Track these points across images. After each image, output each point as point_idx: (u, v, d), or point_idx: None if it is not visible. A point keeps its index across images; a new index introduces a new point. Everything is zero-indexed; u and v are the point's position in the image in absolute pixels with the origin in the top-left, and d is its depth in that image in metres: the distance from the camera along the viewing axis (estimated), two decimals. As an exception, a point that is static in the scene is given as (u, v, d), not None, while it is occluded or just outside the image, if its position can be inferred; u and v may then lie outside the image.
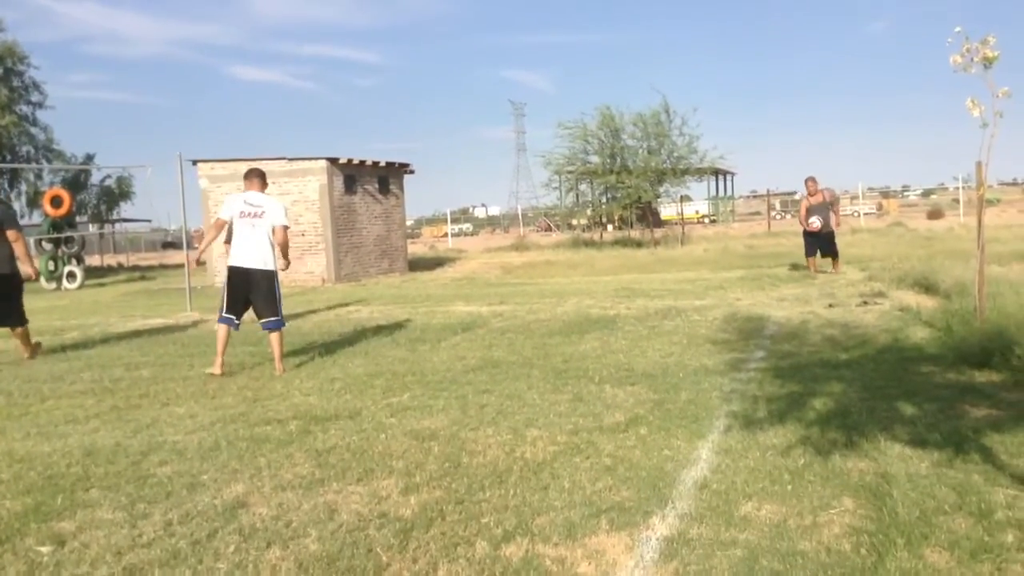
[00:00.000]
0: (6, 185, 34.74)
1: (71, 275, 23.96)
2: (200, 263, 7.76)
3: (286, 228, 7.74)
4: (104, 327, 12.17)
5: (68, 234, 25.01)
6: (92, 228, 38.94)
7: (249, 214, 7.63)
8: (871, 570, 2.95)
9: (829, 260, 15.33)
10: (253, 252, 7.62)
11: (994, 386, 5.68)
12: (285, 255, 7.70)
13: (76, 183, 35.34)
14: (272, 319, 7.70)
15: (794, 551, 3.16)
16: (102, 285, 24.26)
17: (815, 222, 15.07)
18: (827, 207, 15.10)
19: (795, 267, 16.70)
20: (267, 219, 7.66)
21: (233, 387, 6.89)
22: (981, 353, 6.27)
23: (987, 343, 6.32)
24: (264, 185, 8.01)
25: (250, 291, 7.68)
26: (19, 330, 8.90)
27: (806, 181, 15.33)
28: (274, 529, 3.62)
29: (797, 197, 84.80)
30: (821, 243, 15.16)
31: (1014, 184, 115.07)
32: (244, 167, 21.45)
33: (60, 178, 34.85)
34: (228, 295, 7.62)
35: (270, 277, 7.72)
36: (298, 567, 3.21)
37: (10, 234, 8.70)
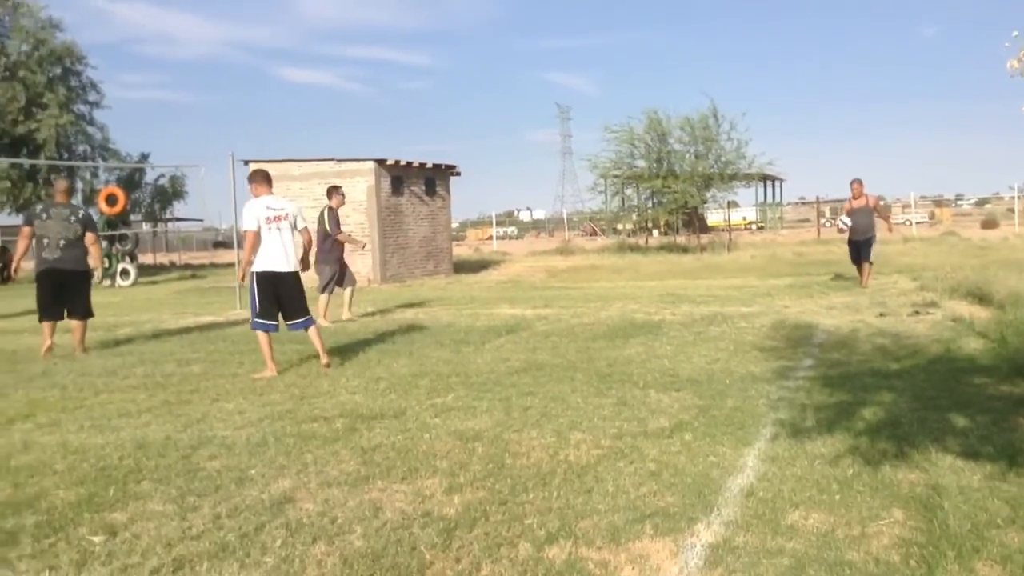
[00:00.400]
0: (63, 183, 35.50)
1: (124, 272, 24.49)
2: (244, 280, 7.87)
3: (307, 229, 7.99)
4: (156, 323, 12.42)
5: (122, 232, 25.57)
6: (146, 226, 39.74)
7: (273, 218, 7.74)
8: (921, 583, 2.90)
9: (861, 269, 14.67)
10: (282, 256, 7.76)
11: (1051, 399, 5.54)
12: (307, 256, 7.87)
13: (131, 182, 36.05)
14: (305, 318, 7.91)
15: (842, 561, 3.11)
16: (155, 283, 24.77)
17: (844, 221, 14.97)
18: (870, 212, 14.65)
19: (838, 276, 16.36)
20: (290, 221, 7.84)
21: (281, 385, 6.99)
22: (1037, 365, 6.13)
23: (1044, 355, 6.18)
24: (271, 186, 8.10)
25: (281, 294, 7.80)
26: (81, 324, 9.44)
27: (851, 183, 14.90)
28: (320, 525, 3.67)
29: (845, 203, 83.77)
30: (860, 249, 14.66)
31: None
32: (294, 167, 21.80)
33: (115, 177, 35.56)
34: (262, 301, 7.70)
35: (298, 278, 7.93)
36: (343, 563, 3.24)
37: (89, 237, 9.49)
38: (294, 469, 4.52)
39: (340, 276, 12.09)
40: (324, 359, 7.71)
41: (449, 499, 3.95)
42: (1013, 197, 43.00)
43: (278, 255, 7.71)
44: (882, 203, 15.40)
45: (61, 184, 9.86)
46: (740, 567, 3.10)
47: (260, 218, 7.64)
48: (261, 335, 7.66)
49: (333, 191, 12.30)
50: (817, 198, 49.06)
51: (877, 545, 3.26)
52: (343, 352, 8.61)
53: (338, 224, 12.07)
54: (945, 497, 3.71)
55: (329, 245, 11.93)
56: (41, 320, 9.33)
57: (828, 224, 29.16)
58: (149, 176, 38.09)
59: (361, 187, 20.43)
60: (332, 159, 20.81)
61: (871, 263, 14.61)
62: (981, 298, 10.80)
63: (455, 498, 3.95)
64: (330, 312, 11.67)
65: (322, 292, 11.81)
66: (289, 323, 7.93)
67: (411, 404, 6.03)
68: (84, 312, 9.51)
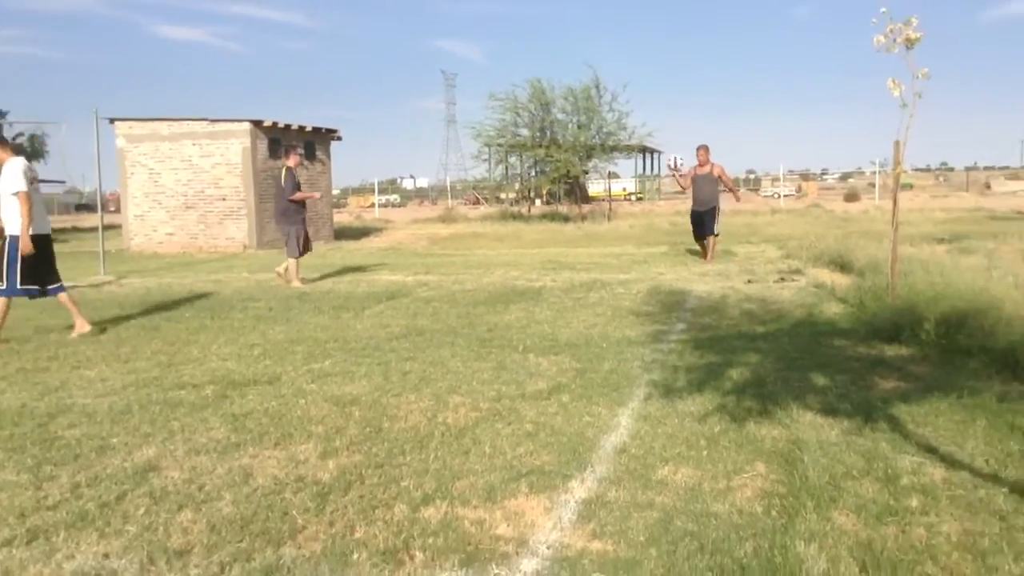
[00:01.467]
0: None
1: (-23, 236, 22.97)
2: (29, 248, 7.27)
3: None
4: (12, 289, 11.69)
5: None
6: (1, 188, 37.38)
7: (35, 179, 7.60)
8: (781, 531, 3.03)
9: (704, 243, 13.75)
10: (43, 217, 7.73)
11: (903, 359, 5.88)
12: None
13: (-16, 140, 33.81)
14: (59, 283, 7.76)
15: (708, 513, 3.22)
16: (11, 247, 23.31)
17: (679, 160, 14.70)
18: (714, 182, 13.74)
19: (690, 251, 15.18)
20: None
21: (147, 351, 6.70)
22: (892, 328, 6.48)
23: (898, 318, 6.54)
24: None
25: (45, 256, 7.57)
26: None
27: (697, 149, 13.98)
28: (186, 492, 3.54)
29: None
30: (703, 220, 13.68)
31: (927, 170, 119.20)
32: (164, 127, 20.88)
33: (-34, 134, 33.30)
34: (31, 265, 7.34)
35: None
36: (210, 529, 3.14)
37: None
38: (159, 437, 4.34)
39: (307, 238, 11.88)
40: (79, 328, 7.51)
41: (324, 464, 3.88)
42: (875, 172, 45.35)
43: (42, 216, 7.69)
44: (727, 175, 14.33)
45: None
46: (611, 520, 3.16)
47: (28, 178, 7.38)
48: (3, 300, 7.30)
49: (290, 150, 12.07)
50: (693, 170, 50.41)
51: (741, 497, 3.39)
52: (216, 318, 8.33)
53: (297, 185, 11.76)
54: (805, 451, 3.89)
55: (293, 206, 11.64)
56: None
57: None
58: (6, 134, 35.80)
59: (236, 149, 19.74)
60: (205, 119, 20.00)
61: (716, 235, 13.78)
62: (842, 266, 11.35)
63: (330, 463, 3.88)
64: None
65: (293, 256, 11.58)
66: (50, 287, 7.66)
67: (286, 370, 5.89)
68: None
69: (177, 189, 20.26)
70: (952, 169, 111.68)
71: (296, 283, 11.38)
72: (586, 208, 30.52)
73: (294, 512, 3.30)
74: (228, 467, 3.85)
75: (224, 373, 5.81)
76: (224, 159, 19.89)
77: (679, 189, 21.51)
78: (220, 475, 3.75)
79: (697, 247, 14.29)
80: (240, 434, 4.37)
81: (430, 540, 3.02)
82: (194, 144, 20.07)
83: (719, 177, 13.83)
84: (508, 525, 3.16)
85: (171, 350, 6.73)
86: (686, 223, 20.92)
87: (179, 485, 3.63)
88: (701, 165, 13.83)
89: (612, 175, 37.48)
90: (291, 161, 11.83)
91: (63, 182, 46.84)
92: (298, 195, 11.70)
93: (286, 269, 11.69)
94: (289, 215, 11.66)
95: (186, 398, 5.14)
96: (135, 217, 20.58)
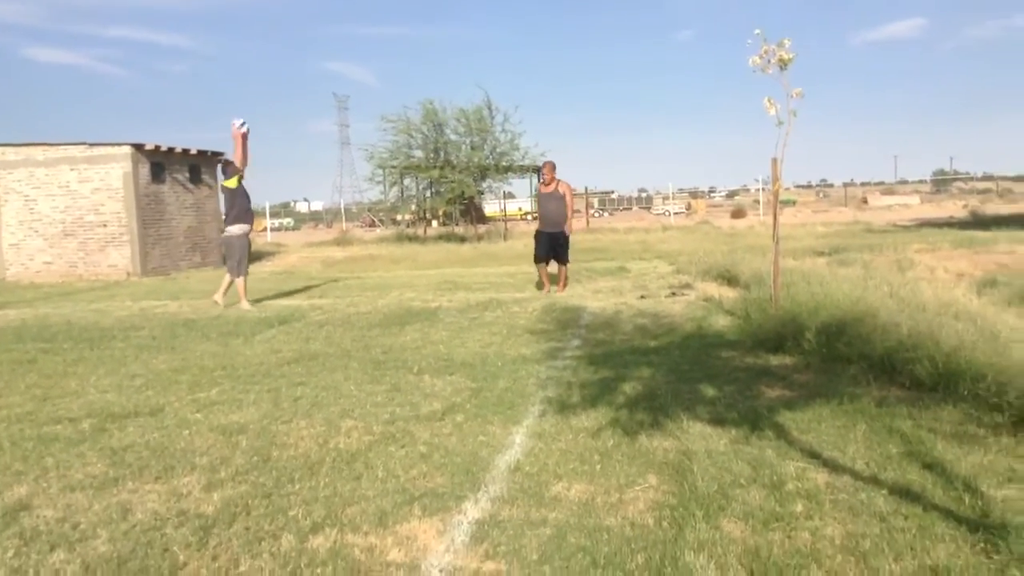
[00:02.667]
0: None
1: None
2: None
3: None
4: None
5: None
6: None
7: None
8: (672, 542, 3.06)
9: (559, 273, 12.22)
10: None
11: (787, 368, 6.07)
12: None
13: None
14: None
15: (600, 527, 3.23)
16: None
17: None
18: (561, 200, 11.95)
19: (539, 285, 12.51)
20: None
21: (21, 385, 6.34)
22: (776, 338, 6.70)
23: (781, 328, 6.76)
24: None
25: None
26: None
27: (543, 166, 12.39)
28: (60, 531, 3.35)
29: (614, 196, 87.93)
30: (553, 244, 12.00)
31: (808, 187, 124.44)
32: (39, 152, 19.97)
33: None
34: None
35: None
36: (84, 570, 2.97)
37: None
38: (32, 475, 4.11)
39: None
40: None
41: (208, 496, 3.73)
42: (759, 189, 47.05)
43: None
44: (574, 192, 12.59)
45: None
46: (504, 540, 3.14)
47: None
48: None
49: (227, 165, 11.60)
50: (586, 189, 51.30)
51: (633, 510, 3.42)
52: (94, 349, 7.96)
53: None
54: (695, 461, 3.95)
55: (247, 216, 11.38)
56: None
57: (596, 215, 30.37)
58: None
59: (116, 173, 19.01)
60: (83, 143, 19.21)
61: (567, 264, 12.28)
62: (729, 280, 11.70)
63: (214, 495, 3.74)
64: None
65: (239, 276, 11.29)
66: None
67: (170, 400, 5.67)
68: None
69: (55, 216, 19.37)
70: (832, 185, 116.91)
71: (245, 304, 11.12)
72: (482, 228, 30.62)
73: (175, 548, 3.15)
74: (105, 503, 3.66)
75: (103, 405, 5.55)
76: (104, 184, 19.12)
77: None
78: (96, 512, 3.56)
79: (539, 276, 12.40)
80: (119, 468, 4.17)
81: (318, 570, 2.93)
82: (72, 169, 19.24)
83: (563, 197, 11.98)
84: (400, 550, 3.10)
85: (47, 383, 6.39)
86: (580, 241, 20.43)
87: (52, 524, 3.43)
88: (546, 184, 12.16)
89: (507, 195, 37.78)
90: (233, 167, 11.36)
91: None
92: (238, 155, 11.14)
93: (225, 292, 11.34)
94: (238, 228, 11.36)
95: (62, 433, 4.88)
96: (10, 246, 19.56)
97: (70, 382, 6.42)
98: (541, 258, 12.14)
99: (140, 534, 3.30)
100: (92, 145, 19.16)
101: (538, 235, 12.21)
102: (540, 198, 12.47)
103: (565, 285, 12.12)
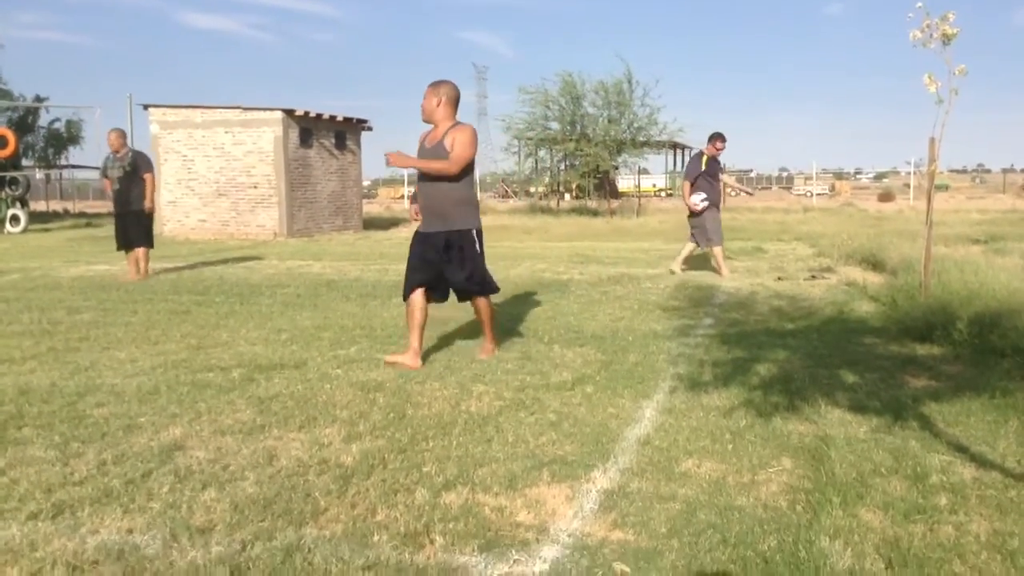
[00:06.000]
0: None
1: (14, 218, 23.31)
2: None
3: None
4: (46, 271, 11.88)
5: (12, 175, 24.30)
6: (39, 172, 37.88)
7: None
8: (806, 526, 2.99)
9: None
10: None
11: (934, 359, 5.79)
12: None
13: (23, 125, 34.28)
14: None
15: (732, 506, 3.19)
16: (47, 230, 23.65)
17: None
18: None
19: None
20: None
21: (177, 334, 6.76)
22: (924, 327, 6.39)
23: (930, 317, 6.44)
24: None
25: None
26: (141, 251, 10.78)
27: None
28: (211, 472, 3.56)
29: (752, 175, 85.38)
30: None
31: (964, 172, 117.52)
32: (197, 114, 21.08)
33: (6, 119, 33.74)
34: None
35: None
36: (233, 509, 3.15)
37: (147, 177, 10.79)
38: (186, 417, 4.38)
39: None
40: None
41: (347, 447, 3.88)
42: (909, 172, 44.74)
43: None
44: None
45: None
46: (633, 511, 3.14)
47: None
48: None
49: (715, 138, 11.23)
50: (724, 166, 50.06)
51: (766, 491, 3.35)
52: (245, 304, 8.39)
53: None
54: (832, 447, 3.83)
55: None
56: None
57: (733, 194, 29.63)
58: (44, 120, 36.33)
59: (268, 137, 19.87)
60: (238, 107, 20.15)
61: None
62: (874, 264, 11.21)
63: (353, 446, 3.89)
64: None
65: (717, 245, 11.07)
66: None
67: (312, 355, 5.92)
68: (146, 241, 10.77)
69: (210, 176, 20.44)
70: (989, 171, 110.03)
71: (726, 271, 10.88)
72: (615, 203, 30.38)
73: (316, 494, 3.31)
74: (253, 448, 3.87)
75: (251, 357, 5.85)
76: (256, 147, 20.02)
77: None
78: (244, 456, 3.77)
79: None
80: (265, 416, 4.39)
81: (450, 525, 3.02)
82: (227, 132, 20.22)
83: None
84: (529, 512, 3.15)
85: (200, 333, 6.79)
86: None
87: (204, 464, 3.65)
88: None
89: (642, 171, 37.29)
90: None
91: (98, 168, 47.37)
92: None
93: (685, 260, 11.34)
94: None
95: (213, 380, 5.18)
96: (168, 203, 20.77)
97: (221, 333, 6.79)
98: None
99: (284, 479, 3.48)
100: (247, 109, 20.07)
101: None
102: None
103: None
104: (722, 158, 11.62)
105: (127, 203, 10.76)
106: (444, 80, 5.76)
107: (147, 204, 10.81)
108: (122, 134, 11.07)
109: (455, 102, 5.72)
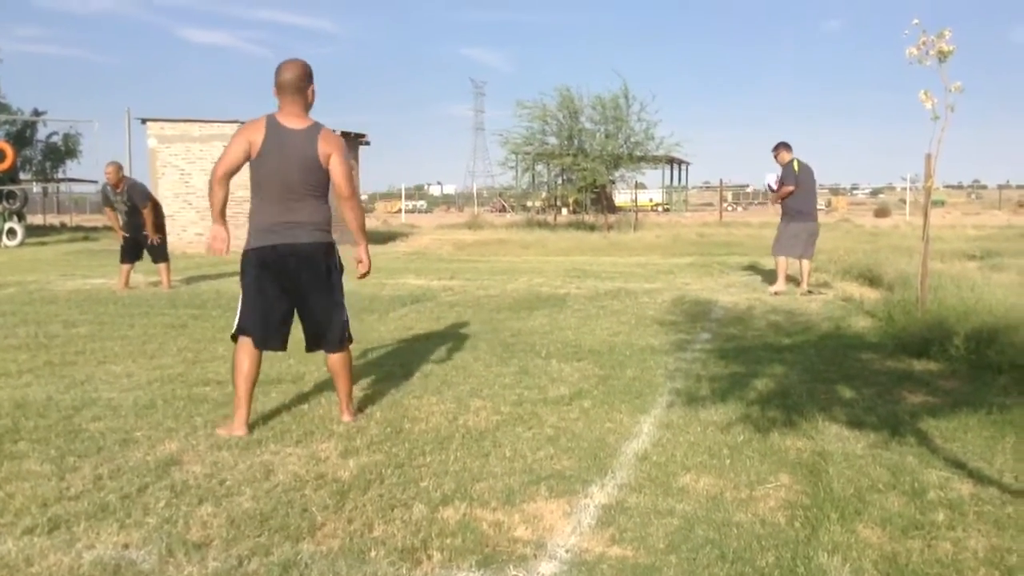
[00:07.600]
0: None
1: (11, 232, 23.29)
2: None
3: None
4: (43, 284, 11.87)
5: (10, 189, 24.30)
6: (36, 186, 37.88)
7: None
8: (804, 542, 2.98)
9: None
10: None
11: (931, 374, 5.79)
12: None
13: (21, 138, 34.33)
14: None
15: (729, 522, 3.18)
16: (43, 244, 23.62)
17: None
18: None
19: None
20: None
21: (173, 348, 6.75)
22: (920, 342, 6.39)
23: (927, 333, 6.45)
24: None
25: None
26: (162, 267, 11.43)
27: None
28: (207, 487, 3.55)
29: (749, 190, 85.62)
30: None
31: (960, 187, 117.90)
32: (195, 128, 21.06)
33: (4, 132, 33.79)
34: None
35: None
36: (230, 523, 3.14)
37: (145, 212, 11.19)
38: (183, 432, 4.37)
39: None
40: None
41: (344, 462, 3.87)
42: (905, 188, 44.87)
43: None
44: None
45: None
46: (631, 526, 3.13)
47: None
48: None
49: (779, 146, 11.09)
50: (720, 182, 50.15)
51: (764, 507, 3.35)
52: (229, 318, 8.37)
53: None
54: (830, 463, 3.83)
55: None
56: None
57: (730, 208, 29.65)
58: (41, 134, 36.38)
59: (266, 152, 19.86)
60: (236, 121, 20.15)
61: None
62: (871, 280, 11.23)
63: (350, 461, 3.88)
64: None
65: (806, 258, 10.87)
66: None
67: (310, 370, 5.90)
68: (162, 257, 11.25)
69: (207, 190, 20.39)
70: (985, 187, 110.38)
71: (804, 287, 10.59)
72: (612, 218, 30.41)
73: (313, 509, 3.30)
74: (249, 463, 3.86)
75: (248, 371, 5.83)
76: (254, 161, 20.02)
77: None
78: (241, 471, 3.76)
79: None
80: (262, 431, 4.38)
81: (448, 540, 3.01)
82: (225, 145, 20.22)
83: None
84: (526, 528, 3.14)
85: (197, 347, 6.78)
86: (713, 234, 20.40)
87: (200, 479, 3.64)
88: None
89: (639, 185, 37.33)
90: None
91: (95, 182, 47.43)
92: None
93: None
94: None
95: (210, 394, 5.17)
96: (165, 217, 20.71)
97: (218, 347, 6.78)
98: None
99: (281, 493, 3.47)
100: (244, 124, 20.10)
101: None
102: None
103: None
104: (722, 172, 11.75)
105: (138, 229, 11.30)
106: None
107: (152, 239, 11.32)
108: (119, 168, 11.08)
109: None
